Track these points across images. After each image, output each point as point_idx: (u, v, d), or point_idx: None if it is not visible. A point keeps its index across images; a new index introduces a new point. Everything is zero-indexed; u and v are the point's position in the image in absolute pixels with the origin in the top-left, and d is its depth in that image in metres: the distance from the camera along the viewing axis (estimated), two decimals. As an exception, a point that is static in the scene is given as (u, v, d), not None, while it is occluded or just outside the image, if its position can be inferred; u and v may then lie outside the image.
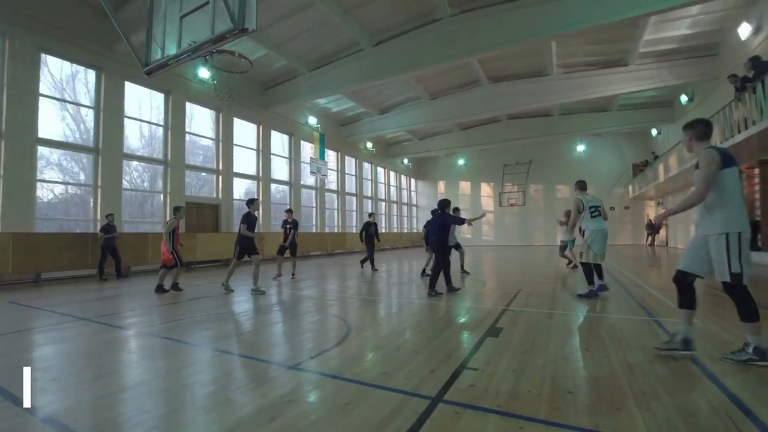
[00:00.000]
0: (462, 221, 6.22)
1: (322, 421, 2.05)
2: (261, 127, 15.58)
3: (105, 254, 9.31)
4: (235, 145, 14.46)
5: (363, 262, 10.80)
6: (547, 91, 15.96)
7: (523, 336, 3.68)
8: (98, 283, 8.67)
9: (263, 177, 15.49)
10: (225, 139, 13.89)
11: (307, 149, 18.07)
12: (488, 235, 26.36)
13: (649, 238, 20.14)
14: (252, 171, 15.37)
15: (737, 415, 2.07)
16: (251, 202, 6.76)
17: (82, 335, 3.98)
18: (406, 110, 19.08)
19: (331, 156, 19.76)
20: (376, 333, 3.91)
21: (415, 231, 28.75)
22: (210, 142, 13.83)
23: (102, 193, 10.44)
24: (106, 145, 10.54)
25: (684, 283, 2.97)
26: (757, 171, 10.33)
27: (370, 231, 10.38)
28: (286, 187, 17.19)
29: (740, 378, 2.55)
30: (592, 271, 5.53)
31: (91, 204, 10.47)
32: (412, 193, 29.14)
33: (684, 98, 15.43)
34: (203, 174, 13.58)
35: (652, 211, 21.61)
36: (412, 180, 29.23)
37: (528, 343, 3.46)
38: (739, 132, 8.64)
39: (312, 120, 18.06)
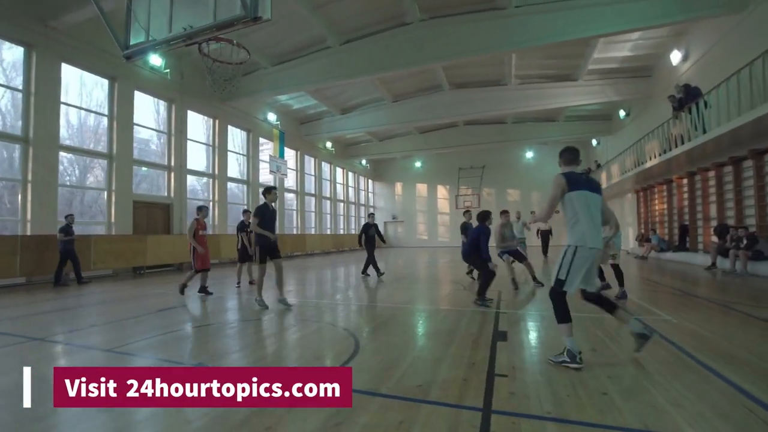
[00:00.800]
0: (480, 251, 5.54)
1: (386, 443, 1.94)
2: (217, 121, 14.63)
3: (64, 259, 8.41)
4: (189, 140, 13.43)
5: (365, 269, 9.35)
6: (504, 99, 16.79)
7: (529, 339, 3.80)
8: (29, 293, 7.55)
9: (219, 175, 14.55)
10: (178, 133, 12.84)
11: (263, 146, 17.32)
12: (444, 237, 27.11)
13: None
14: (205, 168, 14.37)
15: (749, 404, 2.30)
16: (268, 191, 5.36)
17: (42, 360, 3.42)
18: (369, 111, 19.02)
19: (290, 155, 19.10)
20: (385, 342, 3.81)
21: (372, 232, 28.74)
22: (150, 135, 12.58)
23: (33, 188, 9.12)
24: (38, 134, 9.23)
25: (592, 298, 3.18)
26: (685, 181, 11.72)
27: (370, 233, 9.24)
28: (241, 186, 16.31)
29: (735, 369, 2.83)
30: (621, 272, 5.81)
31: (19, 201, 9.10)
32: (370, 194, 29.14)
33: (622, 113, 17.09)
34: (143, 169, 12.30)
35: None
36: (370, 181, 29.23)
37: (537, 346, 3.58)
38: (677, 146, 9.73)
39: (271, 116, 17.34)
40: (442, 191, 27.95)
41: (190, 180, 14.04)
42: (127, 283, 9.11)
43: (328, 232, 22.56)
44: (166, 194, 12.68)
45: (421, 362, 3.16)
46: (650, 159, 11.53)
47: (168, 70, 12.27)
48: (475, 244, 5.51)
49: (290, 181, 19.27)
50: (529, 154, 25.40)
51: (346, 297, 6.72)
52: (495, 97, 16.87)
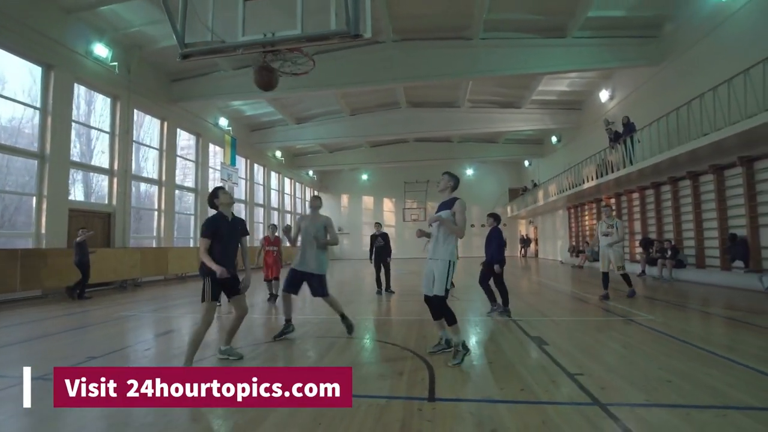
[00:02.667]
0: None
1: (553, 441, 2.12)
2: (166, 123, 13.38)
3: (85, 271, 8.53)
4: (136, 142, 12.09)
5: (387, 285, 8.33)
6: (455, 120, 18.00)
7: (563, 341, 4.24)
8: None
9: (167, 181, 13.24)
10: (123, 134, 11.47)
11: (213, 153, 16.23)
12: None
13: (522, 251, 24.32)
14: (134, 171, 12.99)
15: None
16: (215, 195, 3.52)
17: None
18: (325, 123, 18.93)
19: (239, 163, 18.09)
20: (444, 354, 3.92)
21: (317, 244, 28.16)
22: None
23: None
24: (-46, 126, 7.61)
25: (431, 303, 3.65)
26: (613, 201, 13.75)
27: (377, 245, 8.25)
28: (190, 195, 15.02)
29: (743, 355, 3.54)
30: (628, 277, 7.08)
31: None
32: (316, 205, 28.60)
33: (554, 139, 19.41)
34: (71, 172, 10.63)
35: (523, 229, 26.19)
36: (316, 192, 28.74)
37: (577, 346, 4.03)
38: (613, 171, 11.46)
39: (223, 121, 16.34)
40: (388, 204, 28.62)
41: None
42: (81, 305, 7.84)
43: (276, 244, 21.61)
44: (106, 201, 11.18)
45: (499, 368, 3.37)
46: (587, 180, 13.33)
47: (116, 63, 10.98)
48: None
49: (240, 190, 18.20)
50: (470, 172, 27.32)
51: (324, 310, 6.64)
52: (448, 117, 18.01)
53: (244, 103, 16.31)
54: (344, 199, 29.25)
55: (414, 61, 12.38)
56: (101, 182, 11.34)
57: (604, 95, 14.04)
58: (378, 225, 8.82)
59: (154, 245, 12.84)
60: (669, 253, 9.59)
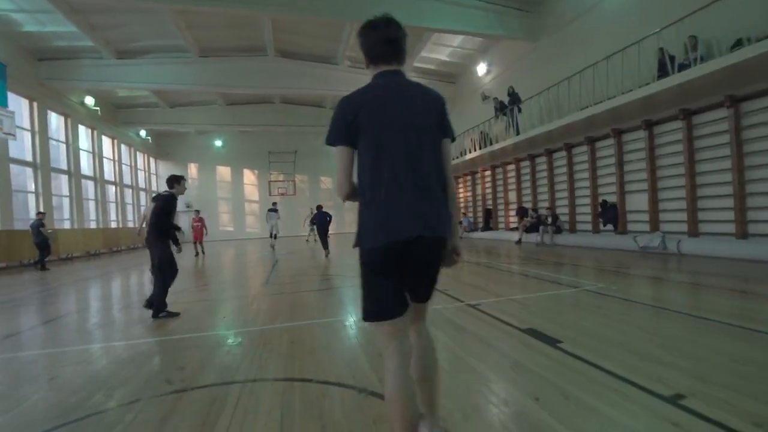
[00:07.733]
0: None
1: None
2: None
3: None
4: None
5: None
6: (332, 80, 15.94)
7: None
8: None
9: None
10: None
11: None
12: (254, 227, 24.15)
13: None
14: None
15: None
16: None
17: None
18: (162, 62, 14.38)
19: (18, 105, 12.13)
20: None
21: (156, 224, 22.50)
22: None
23: None
24: None
25: None
26: (488, 173, 14.28)
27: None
28: None
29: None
30: None
31: None
32: (152, 176, 22.64)
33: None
34: None
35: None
36: (152, 159, 22.72)
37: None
38: (498, 141, 11.57)
39: (-24, 34, 10.39)
40: (250, 176, 24.81)
41: None
42: None
43: (93, 225, 15.93)
44: None
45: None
46: (470, 152, 13.44)
47: None
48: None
49: (23, 146, 12.28)
50: (340, 142, 25.81)
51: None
52: (323, 75, 15.85)
53: (18, 8, 10.61)
54: (192, 168, 23.99)
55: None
56: None
57: (481, 68, 14.24)
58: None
59: None
60: (550, 220, 10.11)
